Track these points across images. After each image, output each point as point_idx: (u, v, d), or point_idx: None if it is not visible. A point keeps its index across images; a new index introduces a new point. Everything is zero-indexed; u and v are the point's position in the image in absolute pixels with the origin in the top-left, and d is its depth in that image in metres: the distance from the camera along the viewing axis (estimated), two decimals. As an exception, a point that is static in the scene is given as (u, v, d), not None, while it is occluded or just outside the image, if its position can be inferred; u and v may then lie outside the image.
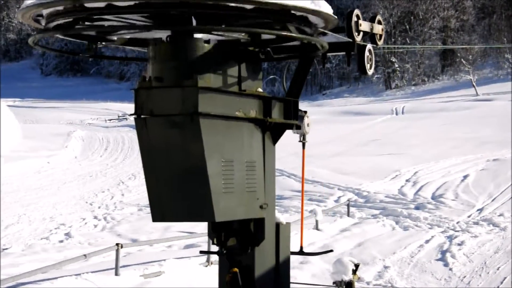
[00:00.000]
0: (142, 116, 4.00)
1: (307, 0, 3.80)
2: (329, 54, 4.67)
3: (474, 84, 67.92)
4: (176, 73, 3.90)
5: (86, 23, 3.97)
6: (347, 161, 28.58)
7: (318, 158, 30.20)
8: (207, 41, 4.02)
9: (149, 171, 4.10)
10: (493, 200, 20.41)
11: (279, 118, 4.46)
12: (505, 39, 75.25)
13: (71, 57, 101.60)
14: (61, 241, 16.48)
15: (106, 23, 4.11)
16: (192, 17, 3.82)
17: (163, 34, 4.15)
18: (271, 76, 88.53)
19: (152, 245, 15.04)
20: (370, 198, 21.50)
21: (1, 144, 30.90)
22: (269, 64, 76.20)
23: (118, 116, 61.48)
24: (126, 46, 4.73)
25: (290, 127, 4.57)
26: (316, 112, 58.27)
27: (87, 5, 3.63)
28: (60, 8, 3.71)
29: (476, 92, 65.81)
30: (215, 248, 4.55)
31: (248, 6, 3.62)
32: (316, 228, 16.96)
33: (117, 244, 11.89)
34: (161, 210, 4.13)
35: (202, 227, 13.82)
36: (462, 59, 75.12)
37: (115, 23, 4.12)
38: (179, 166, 3.96)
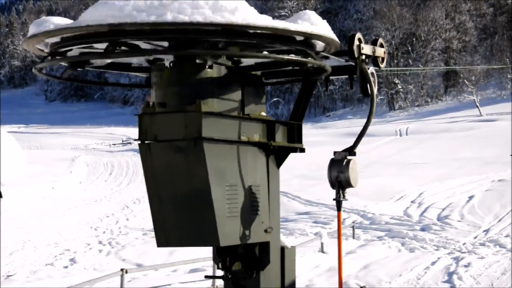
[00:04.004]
0: (146, 142, 4.02)
1: (308, 24, 3.84)
2: (332, 77, 4.70)
3: (478, 104, 68.05)
4: (179, 98, 3.91)
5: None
6: (351, 183, 28.51)
7: (322, 180, 30.15)
8: (210, 66, 4.05)
9: (153, 196, 4.11)
10: (499, 221, 20.31)
11: (283, 141, 4.48)
12: (507, 59, 75.58)
13: (75, 83, 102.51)
14: (66, 267, 16.43)
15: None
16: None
17: (166, 60, 4.18)
18: (274, 99, 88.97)
19: (157, 269, 14.99)
20: (375, 219, 21.42)
21: (5, 170, 30.96)
22: (273, 86, 76.64)
23: (122, 141, 61.72)
24: (130, 72, 4.77)
25: (294, 150, 4.57)
26: (320, 134, 58.38)
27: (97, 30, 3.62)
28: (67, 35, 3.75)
29: (480, 112, 65.91)
30: (220, 272, 4.54)
31: (258, 32, 3.63)
32: (322, 251, 16.90)
33: (122, 270, 11.87)
34: (166, 235, 4.13)
35: (207, 251, 13.80)
36: (465, 80, 75.37)
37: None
38: (183, 191, 3.97)
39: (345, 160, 4.42)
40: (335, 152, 4.49)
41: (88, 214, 25.54)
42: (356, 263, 15.73)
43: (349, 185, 4.40)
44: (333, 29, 4.11)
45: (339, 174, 4.42)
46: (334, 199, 4.46)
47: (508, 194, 24.17)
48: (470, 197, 23.86)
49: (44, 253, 18.19)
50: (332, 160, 4.46)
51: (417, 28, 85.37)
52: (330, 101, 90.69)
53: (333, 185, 4.45)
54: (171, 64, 4.04)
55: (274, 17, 3.79)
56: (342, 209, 4.70)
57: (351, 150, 4.48)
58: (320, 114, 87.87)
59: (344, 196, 4.44)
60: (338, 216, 4.68)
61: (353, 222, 20.08)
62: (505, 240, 17.61)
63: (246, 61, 4.34)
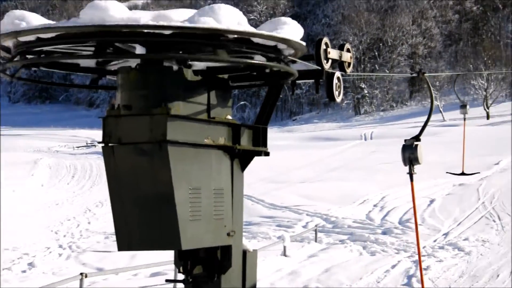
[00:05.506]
0: (109, 144, 3.98)
1: (275, 29, 3.87)
2: (298, 81, 4.71)
3: (441, 110, 69.05)
4: (144, 101, 3.90)
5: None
6: (316, 187, 28.67)
7: (287, 183, 30.28)
8: (177, 69, 4.02)
9: (115, 199, 4.07)
10: (458, 225, 20.61)
11: (248, 145, 4.47)
12: (471, 65, 76.87)
13: (40, 84, 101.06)
14: (24, 271, 16.15)
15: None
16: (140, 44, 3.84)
17: (132, 63, 4.16)
18: (241, 102, 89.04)
19: (117, 274, 14.84)
20: (338, 223, 21.54)
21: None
22: (240, 90, 76.61)
23: (87, 143, 61.03)
24: (95, 74, 4.73)
25: (258, 154, 4.56)
26: (286, 138, 58.57)
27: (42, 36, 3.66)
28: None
29: (443, 117, 66.92)
30: (181, 276, 4.51)
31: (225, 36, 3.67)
32: (284, 254, 16.93)
33: (81, 274, 11.72)
34: (127, 239, 4.10)
35: (169, 254, 13.72)
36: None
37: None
38: (146, 194, 3.94)
39: (414, 145, 5.86)
40: (405, 140, 5.95)
41: (49, 217, 25.15)
42: (318, 266, 15.80)
43: (417, 162, 5.87)
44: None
45: (409, 155, 5.87)
46: (407, 173, 5.94)
47: (467, 198, 24.60)
48: (431, 201, 24.17)
49: (1, 257, 17.84)
50: (403, 145, 5.91)
51: (384, 33, 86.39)
52: (296, 105, 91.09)
53: (405, 163, 5.91)
54: (137, 67, 4.01)
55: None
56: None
57: (417, 138, 5.89)
58: (287, 118, 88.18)
59: (414, 171, 5.93)
60: (412, 186, 6.11)
61: (316, 226, 20.14)
62: (464, 243, 17.88)
63: (211, 64, 4.33)
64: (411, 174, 5.99)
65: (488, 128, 55.77)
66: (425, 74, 7.54)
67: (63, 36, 3.63)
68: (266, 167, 29.57)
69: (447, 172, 23.47)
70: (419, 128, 6.06)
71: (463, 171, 22.35)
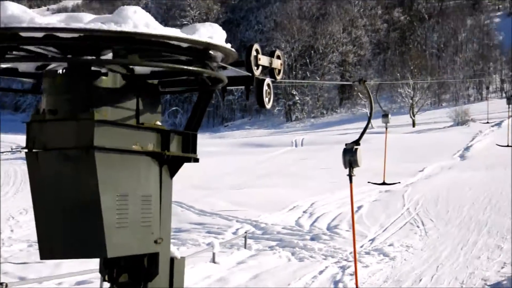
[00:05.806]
0: (34, 150, 3.88)
1: (206, 34, 3.87)
2: (230, 87, 4.73)
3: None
4: (71, 105, 3.82)
5: None
6: (246, 193, 28.76)
7: (217, 190, 30.25)
8: (105, 74, 3.96)
9: (39, 206, 3.96)
10: (384, 230, 21.09)
11: (177, 151, 4.42)
12: (398, 74, 79.10)
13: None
14: None
15: None
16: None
17: (58, 66, 4.08)
18: (173, 108, 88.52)
19: (41, 283, 14.45)
20: (267, 229, 21.66)
21: None
22: (172, 95, 76.00)
23: (11, 149, 59.14)
24: (22, 78, 4.60)
25: (188, 160, 4.55)
26: (218, 144, 58.54)
27: None
28: None
29: (371, 125, 68.54)
30: (107, 284, 4.44)
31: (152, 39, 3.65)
32: (213, 261, 16.88)
33: (1, 284, 11.37)
34: (50, 246, 3.99)
35: (95, 263, 13.44)
36: (359, 93, 78.12)
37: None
38: (71, 201, 3.85)
39: (354, 148, 6.35)
40: (346, 144, 6.44)
41: (-32, 225, 24.21)
42: (247, 273, 15.85)
43: (357, 164, 6.37)
44: (234, 39, 4.20)
45: (350, 158, 6.34)
46: (347, 175, 6.44)
47: (393, 204, 25.27)
48: (359, 207, 24.64)
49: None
50: (344, 149, 6.38)
51: (316, 41, 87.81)
52: (229, 111, 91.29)
53: (345, 166, 6.40)
54: (64, 70, 3.93)
55: (176, 26, 3.83)
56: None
57: (357, 142, 6.39)
58: (219, 124, 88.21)
59: (353, 173, 6.46)
60: (351, 187, 6.74)
61: (245, 232, 20.18)
62: (389, 249, 18.31)
63: (142, 69, 4.31)
64: (350, 176, 6.45)
65: (413, 136, 57.48)
66: (366, 82, 8.14)
67: (87, 38, 3.55)
68: (197, 173, 29.49)
69: (368, 182, 24.05)
70: (349, 135, 6.17)
71: (384, 181, 22.96)
